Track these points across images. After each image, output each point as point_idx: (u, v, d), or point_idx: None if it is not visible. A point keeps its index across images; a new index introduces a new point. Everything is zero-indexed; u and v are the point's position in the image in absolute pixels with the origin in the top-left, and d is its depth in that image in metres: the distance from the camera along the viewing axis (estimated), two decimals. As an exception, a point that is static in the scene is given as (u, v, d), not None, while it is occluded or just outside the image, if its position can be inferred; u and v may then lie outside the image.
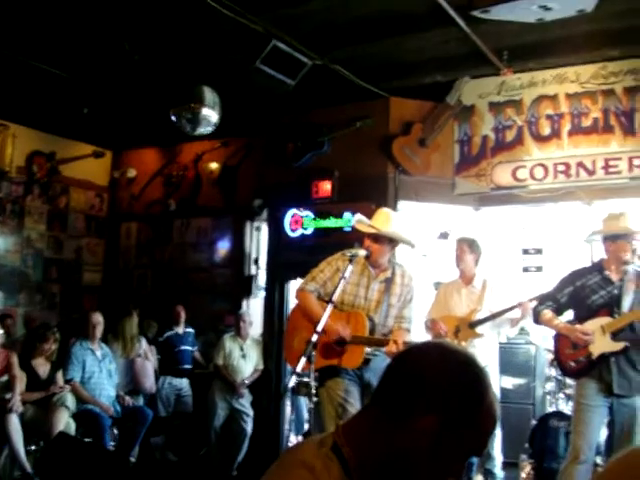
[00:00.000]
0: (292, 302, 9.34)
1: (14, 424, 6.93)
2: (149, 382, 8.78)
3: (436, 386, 1.62)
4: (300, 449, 1.79)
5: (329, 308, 4.90)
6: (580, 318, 5.49)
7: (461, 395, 1.63)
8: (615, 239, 5.45)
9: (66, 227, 10.92)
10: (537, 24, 5.80)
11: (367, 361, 5.50)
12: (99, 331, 8.12)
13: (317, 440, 1.73)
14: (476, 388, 1.66)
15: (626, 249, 5.40)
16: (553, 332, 5.77)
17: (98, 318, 8.13)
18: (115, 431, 7.93)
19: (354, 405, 5.35)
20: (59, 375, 7.68)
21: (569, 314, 5.76)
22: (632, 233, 5.44)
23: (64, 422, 7.26)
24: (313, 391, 4.95)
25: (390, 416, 1.65)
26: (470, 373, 1.68)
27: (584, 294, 5.49)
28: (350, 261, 5.21)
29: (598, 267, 5.59)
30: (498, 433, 6.64)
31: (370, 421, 1.69)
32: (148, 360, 8.88)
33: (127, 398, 8.24)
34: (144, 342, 9.01)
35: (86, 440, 7.38)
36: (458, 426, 1.61)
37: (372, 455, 1.64)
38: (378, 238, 5.47)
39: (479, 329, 6.64)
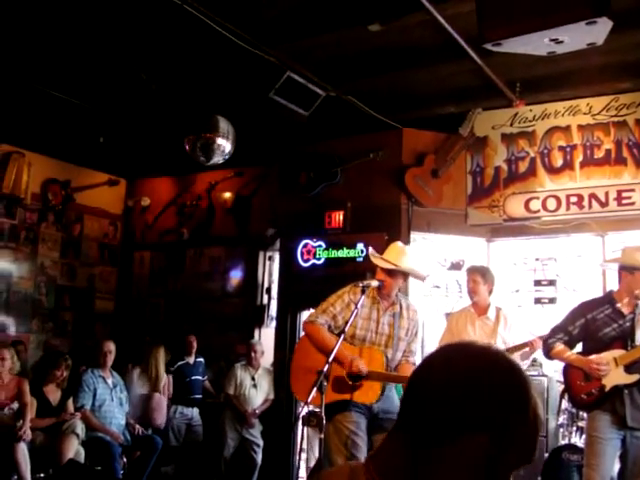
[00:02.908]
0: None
1: (22, 452, 6.91)
2: (161, 418, 8.74)
3: (473, 399, 1.42)
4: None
5: (340, 339, 4.90)
6: (591, 350, 5.45)
7: (504, 403, 1.43)
8: (633, 271, 5.42)
9: (79, 255, 10.98)
10: (549, 56, 5.82)
11: None
12: (110, 359, 8.14)
13: (346, 472, 1.56)
14: (519, 390, 1.46)
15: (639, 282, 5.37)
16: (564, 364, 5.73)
17: (110, 346, 8.16)
18: (125, 459, 7.90)
19: (362, 437, 5.31)
20: (70, 402, 7.69)
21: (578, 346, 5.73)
22: None
23: (74, 449, 7.25)
24: (324, 422, 4.92)
25: (427, 442, 1.43)
26: (507, 372, 1.48)
27: (595, 326, 5.46)
28: (363, 292, 5.21)
29: (609, 299, 5.56)
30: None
31: (405, 451, 1.47)
32: (164, 394, 8.85)
33: (137, 426, 8.24)
34: (168, 376, 9.00)
35: (96, 468, 7.36)
36: (509, 435, 1.41)
37: None
38: (393, 272, 5.47)
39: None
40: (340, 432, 5.30)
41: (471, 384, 1.44)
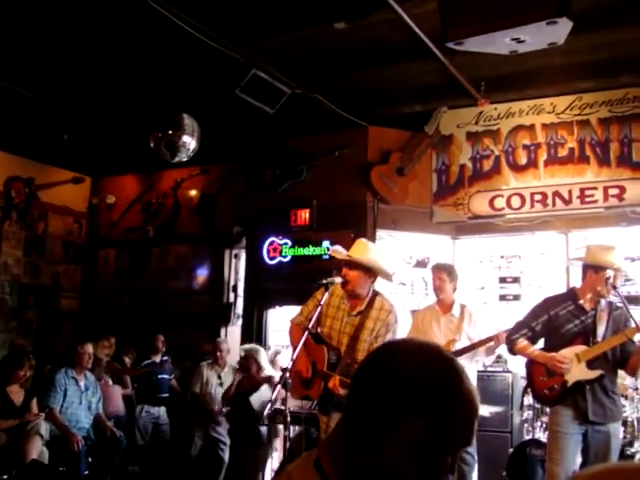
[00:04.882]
0: (270, 330, 9.35)
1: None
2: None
3: (410, 387, 1.55)
4: (294, 463, 1.74)
5: (303, 338, 4.96)
6: (553, 346, 5.51)
7: (438, 390, 1.55)
8: (598, 270, 5.47)
9: (44, 253, 10.86)
10: (513, 56, 5.87)
11: None
12: (88, 362, 8.03)
13: (308, 454, 1.68)
14: (451, 377, 1.59)
15: (605, 283, 5.42)
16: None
17: (89, 349, 8.04)
18: (90, 459, 7.83)
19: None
20: (34, 402, 7.59)
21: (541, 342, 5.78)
22: (616, 269, 5.46)
23: (38, 450, 7.16)
24: (288, 419, 4.95)
25: (368, 428, 1.56)
26: (440, 364, 1.61)
27: (558, 322, 5.51)
28: (326, 288, 5.23)
29: (572, 295, 5.62)
30: (475, 462, 6.64)
31: (348, 435, 1.61)
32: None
33: (110, 426, 8.15)
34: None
35: (60, 468, 7.29)
36: (443, 422, 1.53)
37: (355, 469, 1.57)
38: (352, 266, 5.48)
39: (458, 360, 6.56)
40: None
41: (406, 374, 1.56)
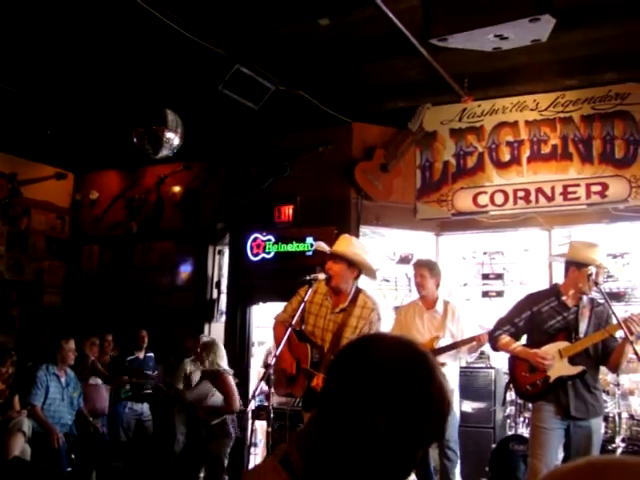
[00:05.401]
0: (254, 326, 9.35)
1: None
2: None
3: (382, 381, 1.56)
4: (260, 464, 1.78)
5: (286, 336, 4.96)
6: (536, 342, 5.53)
7: (410, 384, 1.57)
8: (580, 267, 5.49)
9: (26, 249, 10.81)
10: (497, 53, 5.90)
11: None
12: (71, 358, 8.00)
13: (276, 452, 1.69)
14: (423, 372, 1.60)
15: (587, 279, 5.44)
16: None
17: (72, 345, 8.00)
18: (72, 456, 7.80)
19: None
20: (16, 399, 7.55)
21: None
22: (598, 267, 5.49)
23: (20, 447, 7.13)
24: (272, 415, 4.96)
25: (340, 421, 1.58)
26: (412, 358, 1.62)
27: (541, 318, 5.53)
28: (309, 285, 5.23)
29: (555, 292, 5.64)
30: (458, 458, 6.66)
31: (319, 426, 1.64)
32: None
33: (92, 422, 8.13)
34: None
35: (42, 465, 7.26)
36: (415, 416, 1.55)
37: (322, 460, 1.59)
38: (337, 259, 5.48)
39: (441, 358, 6.56)
40: None
41: (378, 368, 1.58)
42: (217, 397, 7.74)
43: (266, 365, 8.67)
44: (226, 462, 7.64)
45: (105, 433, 8.11)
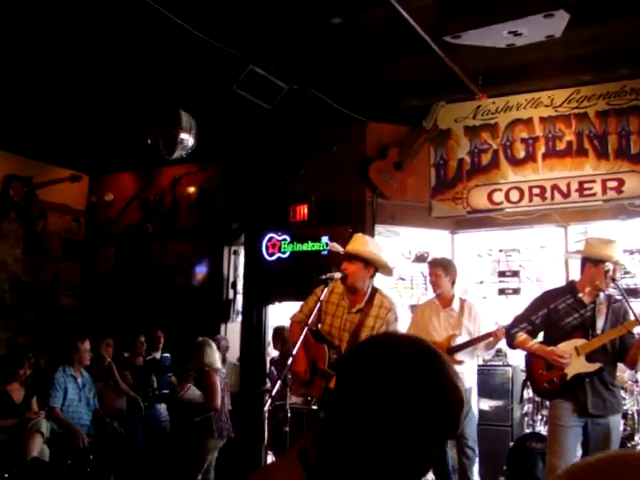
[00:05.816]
0: (270, 326, 9.35)
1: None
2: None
3: (391, 380, 1.57)
4: (278, 458, 1.84)
5: (302, 335, 4.94)
6: (552, 340, 5.50)
7: (420, 383, 1.57)
8: (596, 263, 5.46)
9: (43, 251, 10.86)
10: (511, 49, 5.88)
11: None
12: (87, 359, 8.04)
13: (293, 447, 1.72)
14: (434, 371, 1.61)
15: (604, 276, 5.40)
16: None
17: (87, 346, 8.05)
18: (90, 456, 7.83)
19: None
20: (34, 401, 7.59)
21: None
22: (615, 263, 5.45)
23: (38, 448, 7.16)
24: (289, 415, 4.95)
25: (351, 419, 1.60)
26: (425, 357, 1.63)
27: (557, 316, 5.50)
28: (325, 284, 5.22)
29: (571, 289, 5.61)
30: (476, 456, 6.65)
31: (333, 424, 1.66)
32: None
33: (110, 421, 8.16)
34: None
35: (65, 465, 7.29)
36: (424, 415, 1.56)
37: (337, 456, 1.61)
38: (352, 259, 5.47)
39: (458, 355, 6.57)
40: None
41: (391, 367, 1.59)
42: (193, 392, 7.77)
43: (273, 363, 8.70)
44: (212, 462, 7.61)
45: (123, 433, 8.13)
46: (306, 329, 5.09)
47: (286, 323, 6.72)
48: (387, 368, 1.60)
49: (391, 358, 1.62)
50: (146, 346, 9.39)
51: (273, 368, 8.77)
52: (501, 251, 8.75)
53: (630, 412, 6.82)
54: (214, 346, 7.85)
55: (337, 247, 5.66)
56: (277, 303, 9.23)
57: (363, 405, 1.58)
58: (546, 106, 8.37)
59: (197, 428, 7.53)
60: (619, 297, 5.51)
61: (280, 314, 8.93)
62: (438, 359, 1.63)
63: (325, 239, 8.57)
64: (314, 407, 6.50)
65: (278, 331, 8.70)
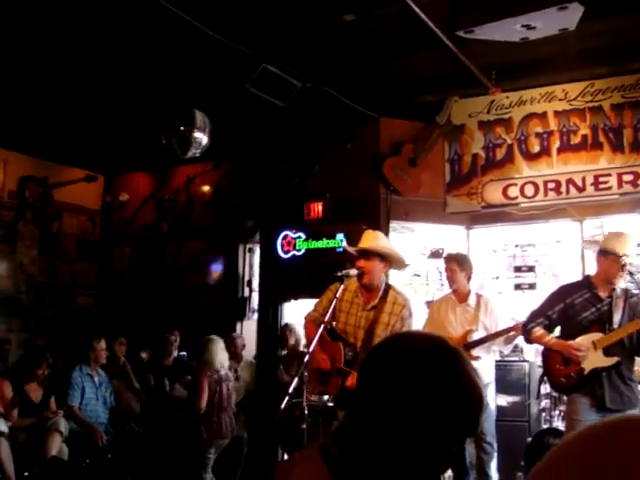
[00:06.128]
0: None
1: (6, 451, 6.86)
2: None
3: (410, 379, 1.60)
4: (298, 452, 1.86)
5: (318, 333, 4.94)
6: (569, 334, 5.49)
7: (438, 381, 1.60)
8: (607, 256, 5.44)
9: (58, 251, 10.91)
10: (524, 43, 5.86)
11: None
12: (103, 358, 8.09)
13: (314, 443, 1.76)
14: (452, 369, 1.63)
15: (621, 270, 5.38)
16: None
17: (103, 345, 8.09)
18: (108, 455, 7.86)
19: None
20: (52, 400, 7.64)
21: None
22: (622, 255, 5.41)
23: (57, 447, 7.20)
24: (306, 412, 4.96)
25: (372, 417, 1.63)
26: (442, 355, 1.65)
27: (574, 310, 5.49)
28: (341, 281, 5.22)
29: (587, 283, 5.59)
30: (495, 451, 6.63)
31: (353, 422, 1.69)
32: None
33: (128, 421, 8.19)
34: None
35: (84, 463, 7.33)
36: (444, 413, 1.58)
37: (358, 453, 1.64)
38: (368, 255, 5.46)
39: (475, 351, 6.54)
40: None
41: (410, 365, 1.63)
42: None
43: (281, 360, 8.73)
44: (210, 461, 7.61)
45: (140, 432, 8.15)
46: (322, 327, 5.08)
47: (301, 321, 6.70)
48: (406, 367, 1.62)
49: (410, 357, 1.64)
50: (177, 344, 9.37)
51: (281, 366, 8.81)
52: (517, 246, 8.71)
53: (648, 406, 6.78)
54: (220, 345, 7.82)
55: (349, 248, 5.68)
56: (293, 300, 9.24)
57: (383, 404, 1.61)
58: (560, 100, 8.33)
59: (187, 427, 7.56)
60: (636, 291, 5.49)
61: (296, 311, 8.94)
62: (456, 357, 1.66)
63: (340, 236, 8.56)
64: (330, 404, 6.50)
65: (283, 329, 8.75)
